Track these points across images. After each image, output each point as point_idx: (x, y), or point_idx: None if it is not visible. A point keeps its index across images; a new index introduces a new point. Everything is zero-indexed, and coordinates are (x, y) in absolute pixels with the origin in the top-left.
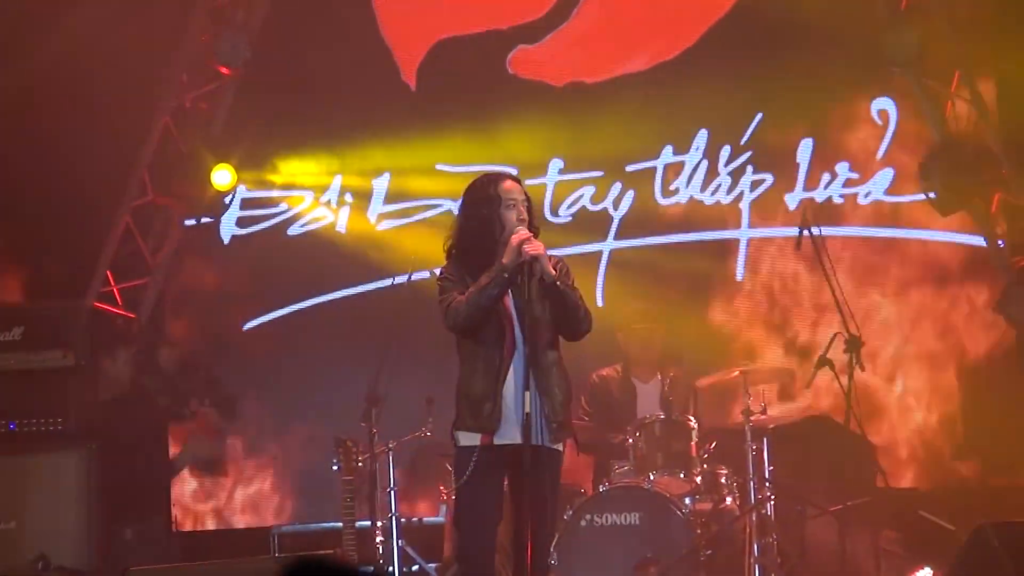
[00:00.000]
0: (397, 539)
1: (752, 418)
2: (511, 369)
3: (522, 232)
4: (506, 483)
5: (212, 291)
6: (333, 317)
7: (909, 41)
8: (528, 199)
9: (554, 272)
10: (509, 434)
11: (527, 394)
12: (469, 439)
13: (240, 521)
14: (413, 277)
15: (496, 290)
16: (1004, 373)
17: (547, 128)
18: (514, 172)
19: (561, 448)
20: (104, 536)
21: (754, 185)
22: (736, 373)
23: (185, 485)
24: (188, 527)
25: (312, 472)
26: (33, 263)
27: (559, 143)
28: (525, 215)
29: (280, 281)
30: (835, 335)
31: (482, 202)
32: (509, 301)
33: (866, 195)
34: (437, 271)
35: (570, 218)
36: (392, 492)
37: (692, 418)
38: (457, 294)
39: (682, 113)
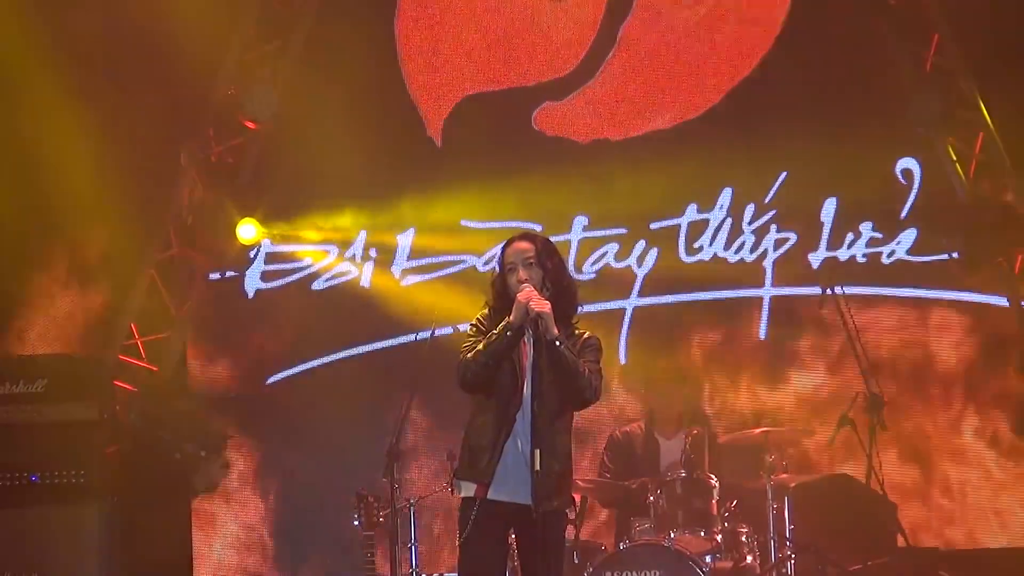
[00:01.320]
0: None
1: (773, 477)
2: (516, 425)
3: (527, 291)
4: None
5: (236, 345)
6: (356, 372)
7: (933, 102)
8: (545, 255)
9: (555, 332)
10: (507, 489)
11: (536, 452)
12: (467, 489)
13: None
14: (436, 333)
15: (500, 347)
16: None
17: (572, 185)
18: (538, 229)
19: (561, 508)
20: None
21: (778, 244)
22: (759, 432)
23: (213, 540)
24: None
25: (333, 527)
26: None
27: (584, 200)
28: (525, 276)
29: (304, 336)
30: (857, 395)
31: (499, 264)
32: (527, 358)
33: (890, 255)
34: (461, 327)
35: (594, 275)
36: (413, 548)
37: (713, 476)
38: (476, 342)
39: (706, 171)
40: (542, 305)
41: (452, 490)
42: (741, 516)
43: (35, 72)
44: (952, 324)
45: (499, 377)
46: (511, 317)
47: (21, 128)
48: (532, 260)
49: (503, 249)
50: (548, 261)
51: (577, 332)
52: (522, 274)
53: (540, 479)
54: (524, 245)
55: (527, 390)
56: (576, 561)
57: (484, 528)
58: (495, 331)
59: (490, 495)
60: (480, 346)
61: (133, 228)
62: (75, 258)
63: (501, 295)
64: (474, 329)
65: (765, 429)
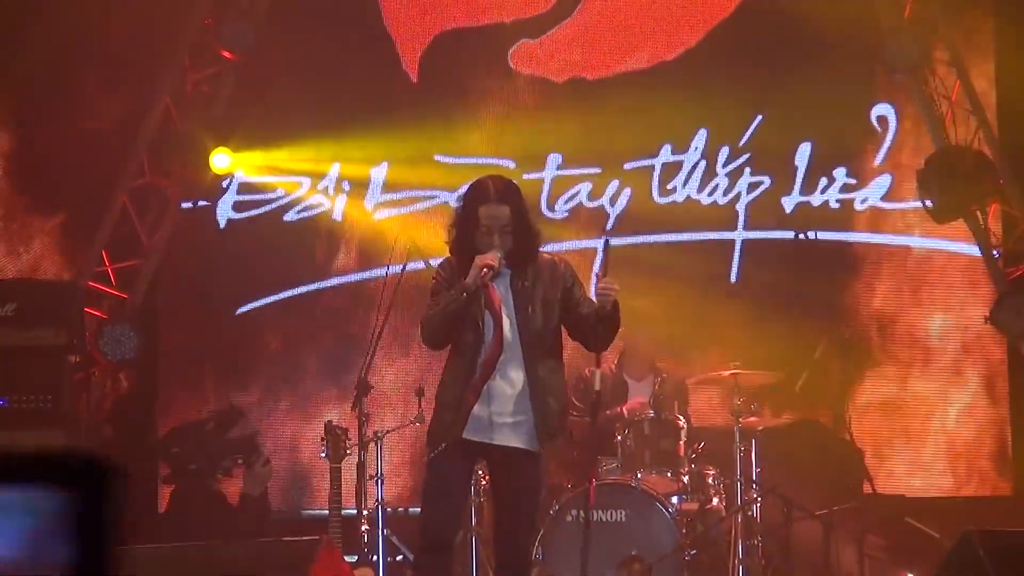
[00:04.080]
0: (382, 528)
1: (741, 419)
2: (494, 376)
3: (487, 257)
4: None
5: (207, 275)
6: (327, 305)
7: (911, 48)
8: (519, 217)
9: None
10: (479, 435)
11: (511, 397)
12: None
13: None
14: (408, 267)
15: (457, 309)
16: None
17: (546, 123)
18: (511, 166)
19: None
20: None
21: (751, 187)
22: (728, 373)
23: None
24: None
25: (300, 458)
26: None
27: (558, 138)
28: (499, 242)
29: (275, 267)
30: (827, 340)
31: (466, 217)
32: (500, 308)
33: (863, 201)
34: (433, 261)
35: (567, 213)
36: (379, 481)
37: (681, 417)
38: (436, 301)
39: (682, 113)
40: (490, 272)
41: (429, 452)
42: (708, 458)
43: None
44: (924, 272)
45: (462, 334)
46: (467, 279)
47: None
48: (508, 228)
49: (475, 200)
50: (521, 222)
51: (548, 258)
52: (497, 241)
53: (544, 424)
54: (503, 211)
55: (511, 336)
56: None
57: (453, 455)
58: (452, 292)
59: (465, 435)
60: (439, 307)
61: (106, 155)
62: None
63: (463, 249)
64: (436, 283)
65: (734, 371)
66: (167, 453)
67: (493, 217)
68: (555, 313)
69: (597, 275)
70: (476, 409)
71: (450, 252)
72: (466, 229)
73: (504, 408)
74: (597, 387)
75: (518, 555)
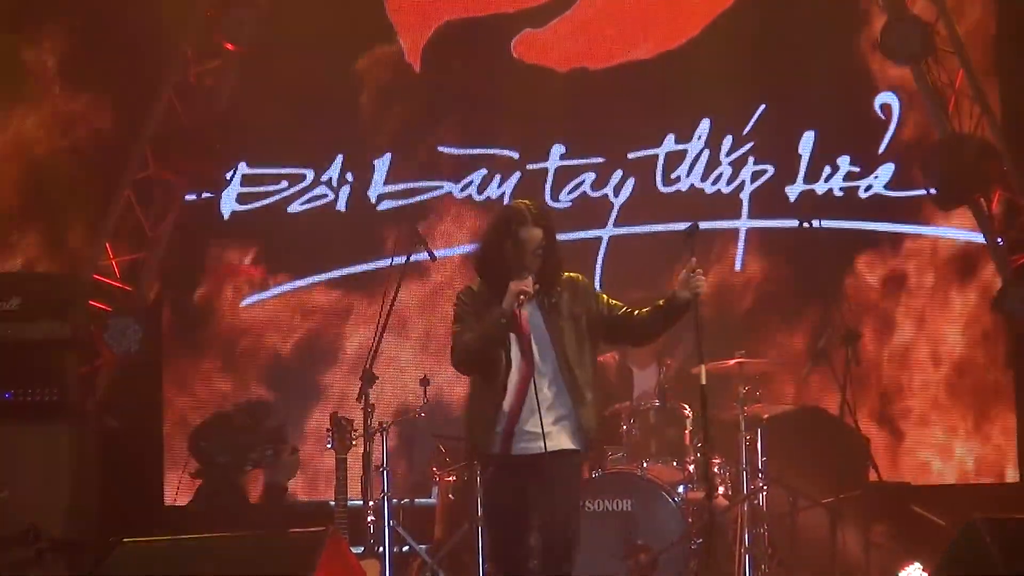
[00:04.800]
0: (388, 519)
1: (746, 408)
2: (529, 389)
3: (522, 283)
4: None
5: (211, 267)
6: (331, 296)
7: (914, 36)
8: (550, 237)
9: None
10: (525, 448)
11: (542, 411)
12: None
13: None
14: (412, 258)
15: (495, 333)
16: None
17: (550, 113)
18: (515, 156)
19: (577, 447)
20: (96, 507)
21: (755, 176)
22: (733, 362)
23: (181, 460)
24: (181, 501)
25: (306, 449)
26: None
27: (562, 128)
28: (533, 263)
29: (279, 258)
30: (831, 328)
31: (501, 239)
32: (527, 328)
33: (867, 189)
34: (437, 253)
35: (570, 203)
36: (385, 472)
37: (686, 407)
38: (466, 328)
39: (685, 102)
40: (527, 287)
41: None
42: (713, 447)
43: None
44: (928, 260)
45: (495, 357)
46: (503, 304)
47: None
48: (540, 252)
49: (511, 223)
50: (551, 244)
51: (567, 276)
52: (529, 262)
53: (584, 427)
54: (537, 234)
55: (544, 353)
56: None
57: (502, 477)
58: (488, 318)
59: (513, 453)
60: (473, 332)
61: (110, 148)
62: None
63: (502, 275)
64: (462, 309)
65: (739, 360)
66: (196, 448)
67: (530, 239)
68: (583, 326)
69: (690, 266)
70: (518, 426)
71: (480, 273)
72: (499, 250)
73: (543, 420)
74: (703, 381)
75: (564, 545)
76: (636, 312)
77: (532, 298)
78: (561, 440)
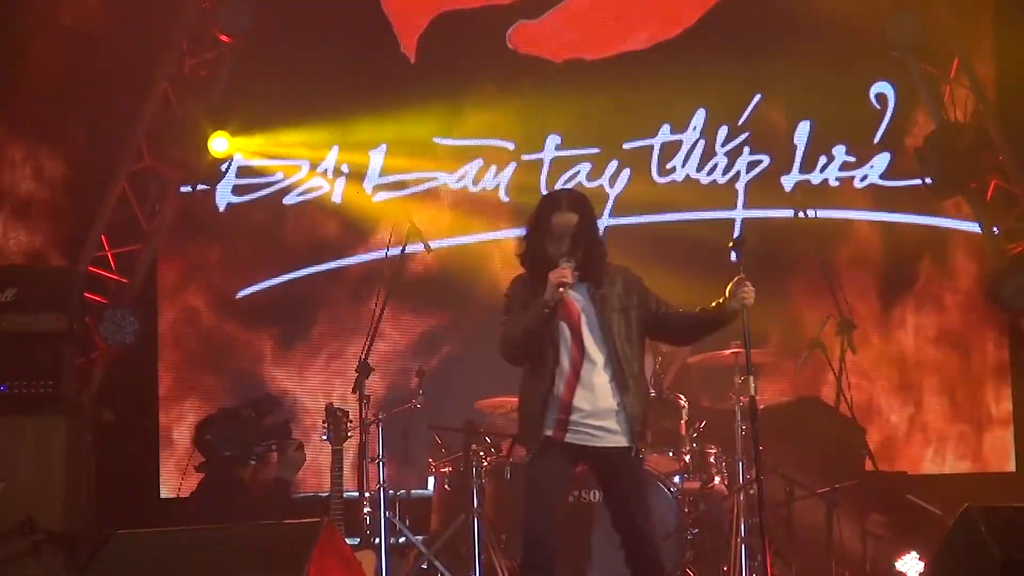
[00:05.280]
0: (384, 510)
1: (742, 398)
2: (581, 379)
3: (560, 271)
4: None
5: (206, 259)
6: (327, 288)
7: (909, 25)
8: (588, 223)
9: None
10: (579, 438)
11: (601, 402)
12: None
13: None
14: (407, 250)
15: (538, 325)
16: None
17: (545, 104)
18: (510, 148)
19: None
20: (92, 500)
21: (750, 166)
22: (729, 352)
23: (176, 452)
24: (177, 494)
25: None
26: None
27: (557, 119)
28: (569, 249)
29: (274, 250)
30: (827, 318)
31: (537, 227)
32: (580, 318)
33: (862, 179)
34: (432, 244)
35: None
36: (381, 463)
37: (682, 396)
38: (513, 319)
39: (680, 93)
40: (565, 276)
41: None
42: (710, 437)
43: None
44: (924, 249)
45: (544, 348)
46: (545, 295)
47: None
48: (578, 236)
49: (545, 210)
50: (590, 231)
51: (616, 266)
52: (567, 247)
53: (635, 422)
54: (572, 218)
55: (594, 344)
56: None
57: (549, 457)
58: (532, 308)
59: (567, 439)
60: (516, 324)
61: (105, 140)
62: (46, 168)
63: (540, 262)
64: (509, 300)
65: (735, 350)
66: (201, 440)
67: (563, 224)
68: (632, 317)
69: (739, 278)
70: (571, 417)
71: (522, 264)
72: (538, 238)
73: (594, 412)
74: (752, 394)
75: (643, 538)
76: (682, 313)
77: (572, 287)
78: (613, 436)
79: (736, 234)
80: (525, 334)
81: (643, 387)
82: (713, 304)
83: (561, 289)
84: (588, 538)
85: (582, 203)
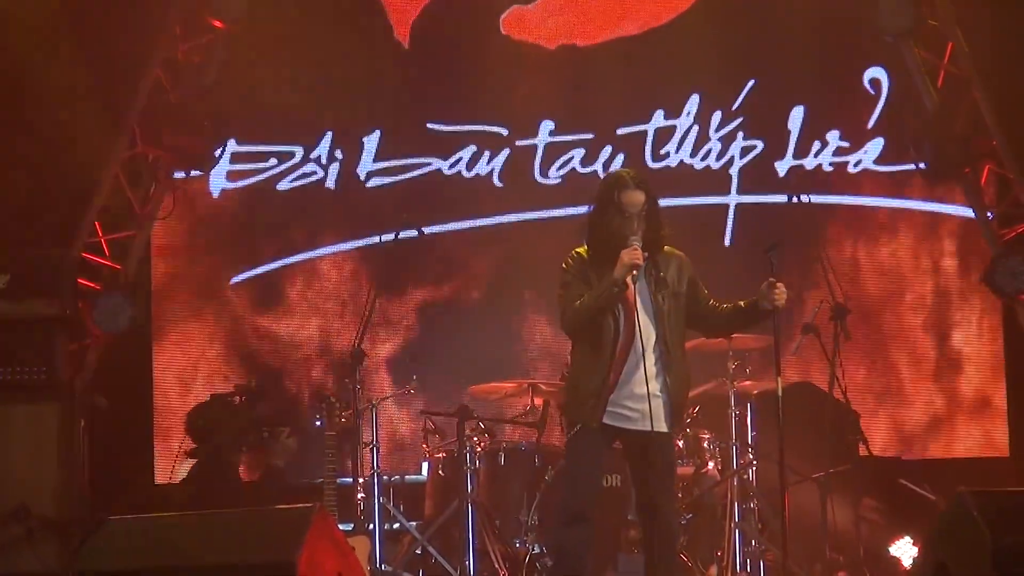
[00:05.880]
0: (378, 496)
1: (736, 383)
2: (630, 361)
3: (633, 251)
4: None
5: (200, 245)
6: (320, 273)
7: (903, 10)
8: (653, 202)
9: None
10: (620, 420)
11: (649, 384)
12: (574, 426)
13: None
14: (401, 235)
15: (606, 301)
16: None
17: (539, 90)
18: (504, 133)
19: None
20: (86, 486)
21: (744, 151)
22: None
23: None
24: (169, 480)
25: (296, 428)
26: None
27: (550, 105)
28: (638, 228)
29: (268, 236)
30: (821, 303)
31: (604, 206)
32: (635, 298)
33: (856, 164)
34: (426, 229)
35: (560, 180)
36: (375, 449)
37: None
38: (572, 292)
39: (674, 78)
40: (638, 258)
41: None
42: (703, 422)
43: None
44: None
45: (605, 322)
46: (615, 272)
47: None
48: (644, 213)
49: (613, 187)
50: (654, 210)
51: (671, 251)
52: (635, 226)
53: (676, 408)
54: (640, 196)
55: (647, 326)
56: (537, 464)
57: (591, 437)
58: (600, 285)
59: (605, 421)
60: (585, 298)
61: (98, 125)
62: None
63: (605, 241)
64: (570, 276)
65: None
66: (193, 427)
67: (632, 203)
68: (683, 303)
69: (770, 281)
70: (615, 398)
71: (586, 241)
72: (605, 215)
73: (639, 395)
74: (779, 393)
75: (668, 526)
76: (723, 307)
77: (642, 267)
78: (657, 421)
79: (770, 244)
80: (593, 309)
81: (687, 371)
82: (743, 303)
83: (635, 272)
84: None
85: (647, 183)
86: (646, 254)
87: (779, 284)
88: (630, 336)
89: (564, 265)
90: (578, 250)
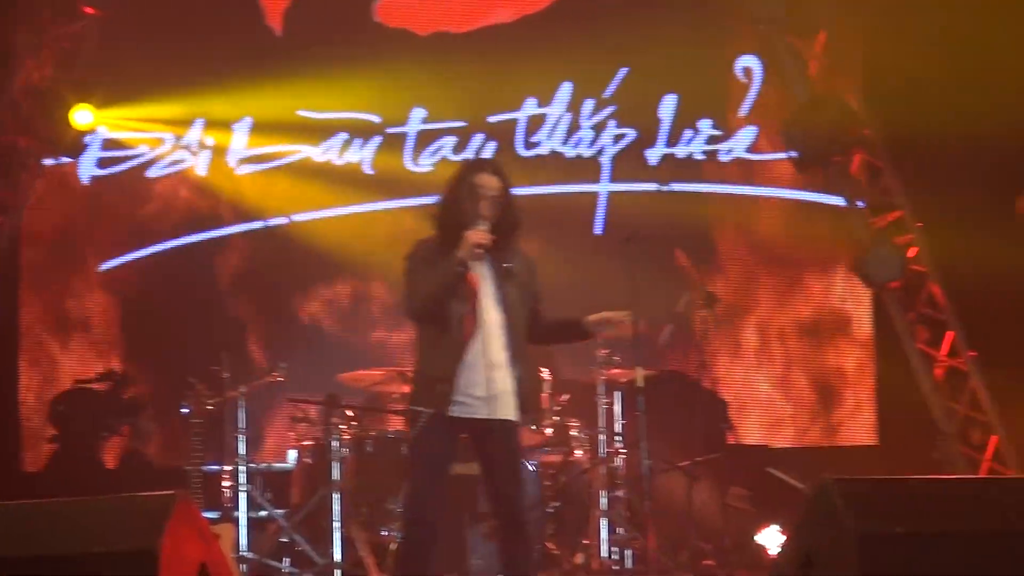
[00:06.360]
0: (245, 484)
1: (605, 371)
2: (474, 349)
3: (479, 234)
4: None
5: (70, 231)
6: (189, 261)
7: (777, 1)
8: (508, 191)
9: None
10: (466, 411)
11: (495, 373)
12: (425, 414)
13: None
14: (270, 223)
15: (451, 280)
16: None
17: (411, 77)
18: (376, 120)
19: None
20: None
21: (616, 139)
22: None
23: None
24: (34, 468)
25: (162, 414)
26: None
27: (422, 92)
28: (488, 211)
29: (138, 223)
30: (691, 292)
31: (458, 186)
32: (481, 282)
33: (728, 152)
34: (295, 217)
35: (431, 167)
36: (241, 437)
37: (545, 370)
38: (419, 278)
39: (546, 66)
40: (483, 238)
41: (411, 418)
42: (572, 411)
43: None
44: (788, 222)
45: (450, 308)
46: (460, 252)
47: None
48: (498, 199)
49: (470, 169)
50: (509, 199)
51: (521, 248)
52: (487, 208)
53: (523, 397)
54: (494, 182)
55: (492, 314)
56: (404, 452)
57: (437, 431)
58: (443, 265)
59: (452, 413)
60: (428, 281)
61: None
62: None
63: (455, 222)
64: (413, 263)
65: None
66: (54, 413)
67: (486, 185)
68: (529, 298)
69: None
70: (462, 388)
71: (436, 223)
72: (457, 196)
73: (484, 383)
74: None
75: (516, 510)
76: (548, 316)
77: (488, 249)
78: (504, 409)
79: (630, 232)
80: (436, 289)
81: (533, 362)
82: (570, 320)
83: (479, 249)
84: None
85: (505, 172)
86: (494, 237)
87: (616, 318)
88: (474, 327)
89: (409, 252)
90: (425, 238)
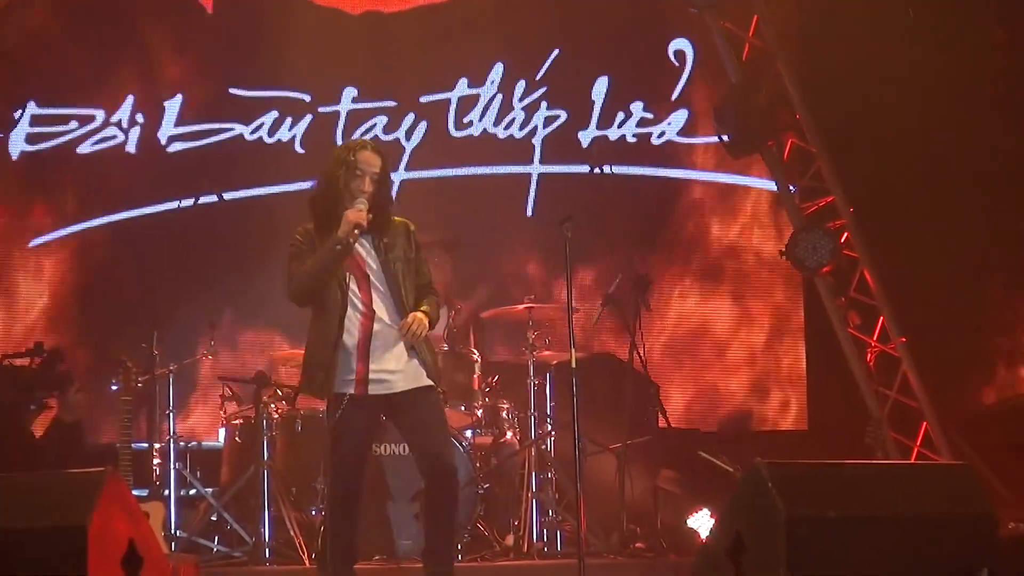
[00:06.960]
0: (174, 462)
1: (535, 353)
2: (372, 328)
3: (357, 210)
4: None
5: None
6: (120, 238)
7: None
8: (385, 173)
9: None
10: (383, 387)
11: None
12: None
13: None
14: (200, 200)
15: (329, 261)
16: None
17: (342, 56)
18: (307, 99)
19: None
20: None
21: (548, 121)
22: (522, 308)
23: None
24: None
25: (92, 391)
26: None
27: (354, 71)
28: (369, 188)
29: (68, 200)
30: (622, 274)
31: (337, 167)
32: (366, 265)
33: (660, 135)
34: (226, 195)
35: None
36: (171, 415)
37: (475, 351)
38: (300, 263)
39: (478, 46)
40: (362, 217)
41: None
42: (503, 392)
43: None
44: (720, 206)
45: (330, 292)
46: (339, 231)
47: None
48: (378, 178)
49: (351, 148)
50: (387, 181)
51: (399, 220)
52: (367, 184)
53: (431, 364)
54: (376, 160)
55: (384, 293)
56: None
57: (353, 415)
58: (323, 247)
59: (370, 391)
60: (308, 262)
61: None
62: None
63: (334, 201)
64: (296, 248)
65: (528, 305)
66: None
67: (367, 162)
68: (412, 269)
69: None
70: (370, 367)
71: (314, 204)
72: (336, 176)
73: (388, 360)
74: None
75: (445, 470)
76: (420, 282)
77: (366, 228)
78: (418, 379)
79: (565, 216)
80: (316, 269)
81: (430, 336)
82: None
83: (357, 228)
84: (387, 492)
85: (385, 151)
86: (371, 215)
87: (403, 327)
88: (368, 306)
89: (292, 240)
90: (306, 224)
